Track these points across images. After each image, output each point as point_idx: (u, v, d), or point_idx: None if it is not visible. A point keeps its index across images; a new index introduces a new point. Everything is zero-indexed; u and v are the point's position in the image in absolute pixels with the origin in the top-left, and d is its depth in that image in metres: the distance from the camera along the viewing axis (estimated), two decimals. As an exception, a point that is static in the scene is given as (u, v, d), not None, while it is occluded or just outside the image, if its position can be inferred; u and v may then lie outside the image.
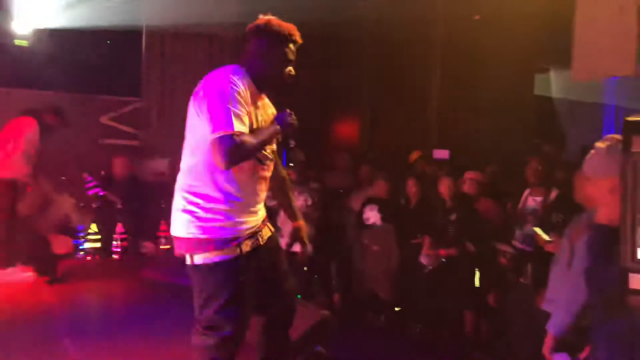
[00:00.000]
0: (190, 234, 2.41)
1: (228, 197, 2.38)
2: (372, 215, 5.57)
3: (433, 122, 6.94)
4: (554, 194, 3.71)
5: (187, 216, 2.42)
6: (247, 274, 2.44)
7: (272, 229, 2.67)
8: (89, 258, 5.93)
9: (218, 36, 7.55)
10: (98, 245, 6.02)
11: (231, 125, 2.21)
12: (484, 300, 4.75)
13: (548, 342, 2.66)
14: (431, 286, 4.87)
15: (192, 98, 2.43)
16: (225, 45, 7.67)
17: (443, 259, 4.55)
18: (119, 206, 6.05)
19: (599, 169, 1.98)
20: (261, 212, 2.60)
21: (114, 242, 6.04)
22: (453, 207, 4.58)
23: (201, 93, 2.37)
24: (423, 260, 4.75)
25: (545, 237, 3.22)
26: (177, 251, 2.52)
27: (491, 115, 6.26)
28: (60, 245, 5.39)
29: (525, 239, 3.78)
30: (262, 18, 2.46)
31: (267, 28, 2.41)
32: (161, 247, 6.28)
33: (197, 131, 2.38)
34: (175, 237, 2.49)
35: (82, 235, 6.01)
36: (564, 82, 5.41)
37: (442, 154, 5.39)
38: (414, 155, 6.07)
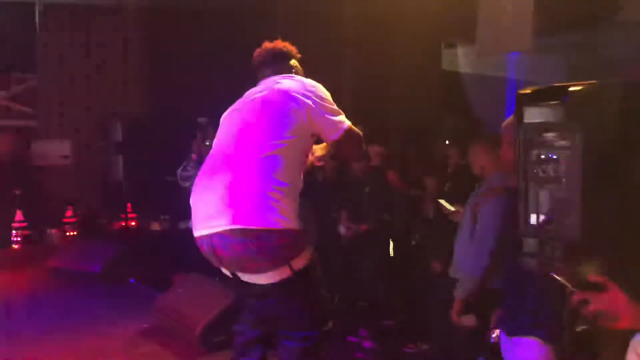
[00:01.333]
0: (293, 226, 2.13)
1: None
2: (288, 192, 5.58)
3: (347, 98, 7.00)
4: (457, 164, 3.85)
5: (286, 208, 2.10)
6: None
7: None
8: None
9: (121, 8, 7.14)
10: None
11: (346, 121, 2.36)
12: (398, 269, 4.93)
13: (455, 307, 2.79)
14: (347, 258, 4.97)
15: (288, 105, 2.23)
16: (129, 18, 7.27)
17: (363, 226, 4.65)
18: (17, 192, 5.63)
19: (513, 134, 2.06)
20: None
21: (13, 231, 5.62)
22: (365, 180, 4.67)
23: (311, 100, 2.26)
24: (342, 231, 4.82)
25: (450, 207, 3.35)
26: (273, 259, 2.15)
27: (402, 89, 6.41)
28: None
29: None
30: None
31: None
32: (67, 234, 5.93)
33: (295, 132, 2.20)
34: (276, 237, 2.08)
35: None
36: (471, 58, 5.61)
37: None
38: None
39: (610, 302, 1.31)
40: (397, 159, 5.15)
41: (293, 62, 2.60)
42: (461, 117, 5.17)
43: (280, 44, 2.61)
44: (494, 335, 2.41)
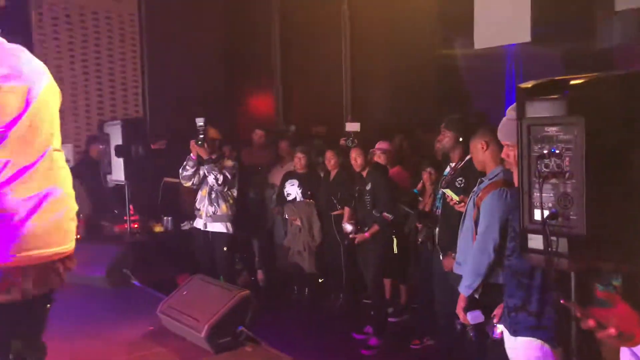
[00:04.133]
0: None
1: None
2: (292, 190, 5.57)
3: (346, 93, 6.98)
4: (466, 159, 3.84)
5: None
6: None
7: None
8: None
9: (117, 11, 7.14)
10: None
11: None
12: (402, 266, 4.92)
13: (460, 303, 2.78)
14: (352, 255, 4.96)
15: None
16: (126, 21, 7.26)
17: (365, 229, 4.62)
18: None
19: (510, 135, 2.05)
20: None
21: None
22: (367, 176, 4.65)
23: None
24: (346, 228, 4.82)
25: (455, 197, 3.34)
26: None
27: (401, 84, 6.38)
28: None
29: (436, 203, 3.91)
30: None
31: None
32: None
33: None
34: None
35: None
36: (466, 51, 5.59)
37: (353, 126, 5.43)
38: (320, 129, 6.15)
39: (622, 322, 1.27)
40: (398, 155, 5.14)
41: None
42: (459, 110, 5.15)
43: None
44: (498, 332, 2.40)
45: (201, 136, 4.60)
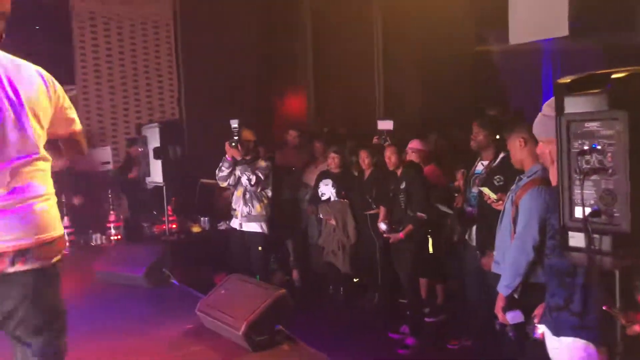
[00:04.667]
0: None
1: None
2: (326, 190, 5.59)
3: (379, 92, 6.96)
4: (500, 157, 3.79)
5: None
6: None
7: None
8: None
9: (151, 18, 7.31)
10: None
11: None
12: (438, 265, 4.88)
13: (499, 303, 2.75)
14: (387, 254, 4.94)
15: None
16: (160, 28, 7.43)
17: (400, 228, 4.60)
18: (64, 199, 5.82)
19: (545, 131, 2.02)
20: None
21: (61, 237, 5.82)
22: (402, 175, 4.63)
23: None
24: (381, 227, 4.81)
25: (493, 195, 3.30)
26: None
27: (435, 81, 6.32)
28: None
29: (470, 202, 3.86)
30: None
31: None
32: (111, 238, 6.10)
33: None
34: None
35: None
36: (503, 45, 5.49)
37: (386, 124, 5.40)
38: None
39: None
40: (434, 153, 5.09)
41: None
42: (500, 108, 5.06)
43: None
44: (539, 332, 2.36)
45: (235, 137, 4.67)
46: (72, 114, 2.18)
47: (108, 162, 6.76)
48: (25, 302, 1.95)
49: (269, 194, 4.90)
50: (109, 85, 7.15)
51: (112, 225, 6.15)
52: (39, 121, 1.97)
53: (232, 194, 5.15)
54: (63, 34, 6.94)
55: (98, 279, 5.28)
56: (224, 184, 4.95)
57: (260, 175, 4.74)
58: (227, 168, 4.81)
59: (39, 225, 1.97)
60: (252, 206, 4.82)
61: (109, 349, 3.63)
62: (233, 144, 4.69)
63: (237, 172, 4.78)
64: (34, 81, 2.02)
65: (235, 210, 4.96)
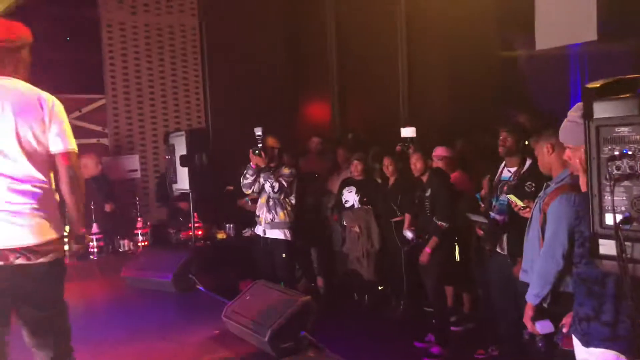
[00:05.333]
0: None
1: None
2: (349, 197, 5.59)
3: (403, 99, 6.93)
4: (528, 163, 3.74)
5: None
6: None
7: None
8: (66, 261, 5.80)
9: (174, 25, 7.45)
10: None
11: None
12: (465, 274, 4.82)
13: (528, 312, 2.69)
14: (413, 262, 4.91)
15: None
16: (179, 34, 7.55)
17: (426, 237, 4.56)
18: (92, 206, 5.94)
19: (572, 137, 1.98)
20: None
21: (91, 243, 5.93)
22: (427, 182, 4.60)
23: None
24: (407, 235, 4.78)
25: (520, 203, 3.25)
26: None
27: (459, 87, 6.28)
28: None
29: (500, 209, 3.81)
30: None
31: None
32: (139, 244, 6.20)
33: None
34: None
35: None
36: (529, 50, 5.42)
37: (409, 131, 5.37)
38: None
39: None
40: (460, 159, 5.04)
41: None
42: (530, 114, 4.98)
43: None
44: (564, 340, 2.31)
45: (259, 145, 4.71)
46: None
47: (135, 170, 6.88)
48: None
49: (293, 201, 4.91)
50: (137, 94, 7.28)
51: (139, 231, 6.25)
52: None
53: (248, 202, 5.17)
54: (93, 44, 7.10)
55: (126, 284, 5.38)
56: (248, 191, 4.99)
57: (283, 182, 4.77)
58: (251, 175, 4.85)
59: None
60: (276, 213, 4.84)
61: (136, 353, 3.69)
62: (257, 151, 4.72)
63: (261, 180, 4.81)
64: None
65: (258, 217, 4.99)
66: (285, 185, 4.78)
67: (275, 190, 4.72)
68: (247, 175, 4.87)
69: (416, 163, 4.61)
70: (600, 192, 1.58)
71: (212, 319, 4.13)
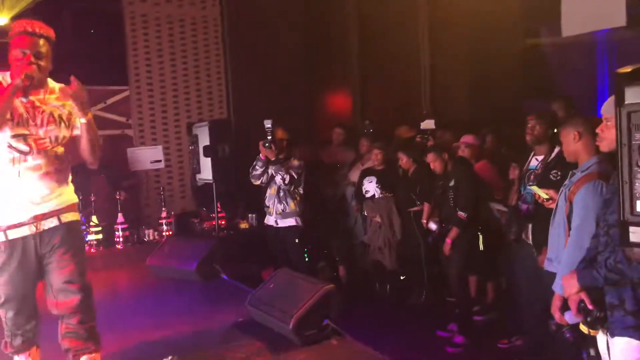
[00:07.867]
0: None
1: None
2: (370, 187, 5.58)
3: (425, 89, 6.87)
4: (555, 151, 3.69)
5: None
6: None
7: None
8: (92, 250, 5.93)
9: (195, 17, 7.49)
10: (100, 236, 6.02)
11: None
12: (489, 263, 4.79)
13: (556, 302, 2.66)
14: (435, 252, 4.90)
15: None
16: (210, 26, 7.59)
17: (449, 227, 4.54)
18: (118, 197, 6.04)
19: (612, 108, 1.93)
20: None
21: (116, 233, 6.05)
22: (451, 172, 4.56)
23: None
24: (431, 227, 4.77)
25: (543, 194, 3.21)
26: None
27: (483, 77, 6.19)
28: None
29: (525, 199, 3.77)
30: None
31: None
32: (163, 233, 6.29)
33: None
34: None
35: (83, 228, 6.01)
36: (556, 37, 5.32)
37: (428, 124, 5.34)
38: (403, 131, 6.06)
39: None
40: (485, 150, 4.99)
41: None
42: (563, 102, 4.87)
43: None
44: (592, 331, 2.29)
45: (269, 138, 4.74)
46: None
47: (159, 161, 6.96)
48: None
49: (301, 191, 5.00)
50: (160, 86, 7.35)
51: (164, 221, 6.34)
52: None
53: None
54: (117, 37, 7.19)
55: (151, 272, 5.47)
56: (257, 182, 5.05)
57: (293, 174, 4.84)
58: (261, 167, 4.91)
59: None
60: (287, 204, 4.93)
61: (162, 340, 3.76)
62: (267, 144, 4.76)
63: (271, 171, 4.86)
64: None
65: (268, 207, 5.05)
66: (296, 177, 4.86)
67: (286, 182, 4.82)
68: (257, 167, 4.93)
69: (434, 163, 4.60)
70: (631, 179, 1.56)
71: (236, 307, 4.18)
